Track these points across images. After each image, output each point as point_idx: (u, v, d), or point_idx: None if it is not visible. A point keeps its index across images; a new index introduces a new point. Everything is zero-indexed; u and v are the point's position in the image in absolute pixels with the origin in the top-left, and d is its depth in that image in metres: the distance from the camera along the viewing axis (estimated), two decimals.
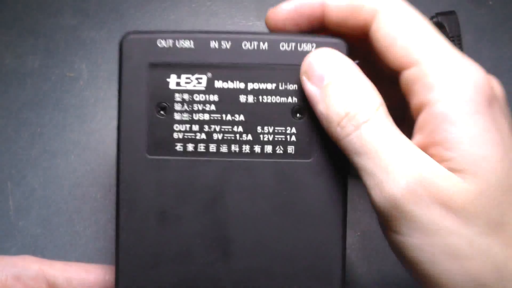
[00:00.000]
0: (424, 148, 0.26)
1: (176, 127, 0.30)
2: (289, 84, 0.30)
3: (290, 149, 0.30)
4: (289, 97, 0.30)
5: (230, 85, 0.30)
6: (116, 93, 0.41)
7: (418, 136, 0.26)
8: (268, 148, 0.30)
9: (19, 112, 0.40)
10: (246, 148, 0.30)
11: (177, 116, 0.30)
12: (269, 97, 0.30)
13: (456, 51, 0.27)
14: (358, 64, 0.28)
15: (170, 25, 0.43)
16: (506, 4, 0.46)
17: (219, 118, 0.30)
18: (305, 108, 0.30)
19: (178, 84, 0.30)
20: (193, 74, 0.30)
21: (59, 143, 0.40)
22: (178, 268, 0.30)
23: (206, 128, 0.30)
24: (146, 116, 0.30)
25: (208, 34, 0.30)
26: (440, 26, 0.44)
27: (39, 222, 0.38)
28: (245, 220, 0.30)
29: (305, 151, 0.30)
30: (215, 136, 0.30)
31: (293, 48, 0.30)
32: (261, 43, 0.30)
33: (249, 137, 0.30)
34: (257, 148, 0.30)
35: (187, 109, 0.30)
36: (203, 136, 0.30)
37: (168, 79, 0.30)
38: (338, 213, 0.30)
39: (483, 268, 0.24)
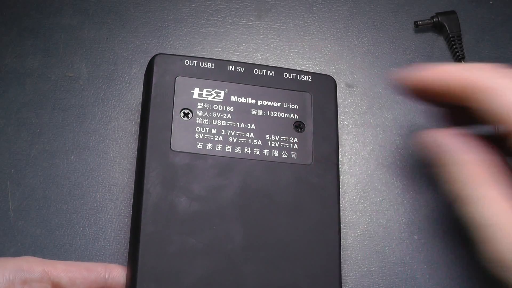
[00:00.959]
0: None
1: (198, 129, 0.35)
2: (291, 104, 0.37)
3: (293, 154, 0.36)
4: (291, 114, 0.37)
5: (243, 100, 0.36)
6: (116, 93, 0.41)
7: None
8: (275, 153, 0.35)
9: (19, 112, 0.40)
10: (256, 151, 0.35)
11: (198, 120, 0.35)
12: (275, 112, 0.36)
13: None
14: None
15: (170, 25, 0.43)
16: (506, 3, 0.46)
17: (234, 125, 0.35)
18: (304, 123, 0.36)
19: (200, 95, 0.36)
20: (213, 89, 0.36)
21: (59, 143, 0.40)
22: (202, 261, 0.32)
23: (223, 132, 0.35)
24: (172, 118, 0.35)
25: (225, 61, 0.37)
26: (440, 26, 0.44)
27: (39, 222, 0.37)
28: (253, 211, 0.34)
29: (306, 157, 0.36)
30: (230, 139, 0.35)
31: (293, 77, 0.37)
32: (269, 71, 0.37)
33: (259, 142, 0.35)
34: (266, 152, 0.35)
35: (207, 116, 0.35)
36: (220, 138, 0.35)
37: (192, 91, 0.36)
38: (334, 208, 0.35)
39: None
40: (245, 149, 0.35)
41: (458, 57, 0.44)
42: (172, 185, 0.33)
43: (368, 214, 0.40)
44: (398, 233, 0.40)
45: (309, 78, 0.38)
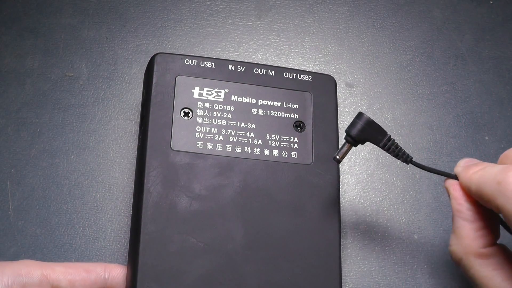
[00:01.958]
0: None
1: (198, 128, 0.35)
2: (291, 103, 0.37)
3: (294, 154, 0.36)
4: (292, 114, 0.37)
5: (244, 99, 0.36)
6: (116, 92, 0.41)
7: None
8: (275, 152, 0.35)
9: (19, 112, 0.40)
10: (256, 151, 0.35)
11: (199, 120, 0.35)
12: (275, 112, 0.36)
13: None
14: None
15: (170, 24, 0.43)
16: (506, 3, 0.46)
17: (234, 124, 0.35)
18: (304, 123, 0.36)
19: (200, 94, 0.36)
20: (213, 88, 0.36)
21: (59, 143, 0.40)
22: (203, 258, 0.32)
23: (223, 131, 0.35)
24: (172, 118, 0.34)
25: (225, 60, 0.37)
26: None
27: (39, 222, 0.37)
28: (254, 209, 0.34)
29: (306, 156, 0.36)
30: (230, 138, 0.35)
31: (294, 77, 0.37)
32: (269, 71, 0.37)
33: (259, 141, 0.35)
34: (266, 151, 0.35)
35: (208, 115, 0.35)
36: (221, 137, 0.35)
37: (192, 90, 0.35)
38: (334, 208, 0.35)
39: None
40: (246, 149, 0.35)
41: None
42: (172, 184, 0.33)
43: (368, 214, 0.40)
44: (398, 233, 0.40)
45: (309, 77, 0.38)
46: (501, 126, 0.43)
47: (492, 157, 0.42)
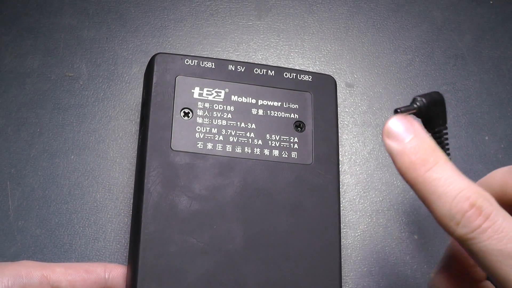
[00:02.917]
0: None
1: (198, 128, 0.35)
2: (291, 103, 0.37)
3: (294, 154, 0.36)
4: (292, 114, 0.37)
5: (244, 99, 0.36)
6: (116, 92, 0.41)
7: None
8: (275, 152, 0.35)
9: (18, 112, 0.40)
10: (256, 151, 0.35)
11: (199, 120, 0.35)
12: (275, 112, 0.36)
13: None
14: None
15: (170, 24, 0.43)
16: (506, 3, 0.46)
17: (234, 124, 0.35)
18: (304, 123, 0.36)
19: (200, 94, 0.36)
20: (213, 88, 0.36)
21: (59, 143, 0.40)
22: (203, 258, 0.32)
23: (223, 131, 0.35)
24: (172, 118, 0.34)
25: (226, 60, 0.37)
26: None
27: (39, 222, 0.37)
28: (254, 210, 0.34)
29: (306, 156, 0.36)
30: (230, 138, 0.35)
31: (294, 77, 0.37)
32: (269, 71, 0.37)
33: (260, 142, 0.35)
34: (266, 151, 0.35)
35: (208, 115, 0.35)
36: (221, 137, 0.35)
37: (192, 90, 0.36)
38: (334, 208, 0.35)
39: None
40: (246, 149, 0.35)
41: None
42: (172, 184, 0.33)
43: (368, 214, 0.40)
44: (398, 233, 0.40)
45: (309, 77, 0.38)
46: (501, 126, 0.43)
47: (492, 157, 0.42)
